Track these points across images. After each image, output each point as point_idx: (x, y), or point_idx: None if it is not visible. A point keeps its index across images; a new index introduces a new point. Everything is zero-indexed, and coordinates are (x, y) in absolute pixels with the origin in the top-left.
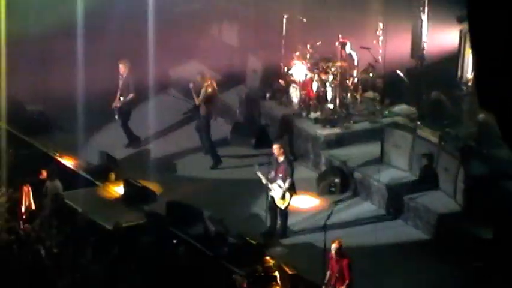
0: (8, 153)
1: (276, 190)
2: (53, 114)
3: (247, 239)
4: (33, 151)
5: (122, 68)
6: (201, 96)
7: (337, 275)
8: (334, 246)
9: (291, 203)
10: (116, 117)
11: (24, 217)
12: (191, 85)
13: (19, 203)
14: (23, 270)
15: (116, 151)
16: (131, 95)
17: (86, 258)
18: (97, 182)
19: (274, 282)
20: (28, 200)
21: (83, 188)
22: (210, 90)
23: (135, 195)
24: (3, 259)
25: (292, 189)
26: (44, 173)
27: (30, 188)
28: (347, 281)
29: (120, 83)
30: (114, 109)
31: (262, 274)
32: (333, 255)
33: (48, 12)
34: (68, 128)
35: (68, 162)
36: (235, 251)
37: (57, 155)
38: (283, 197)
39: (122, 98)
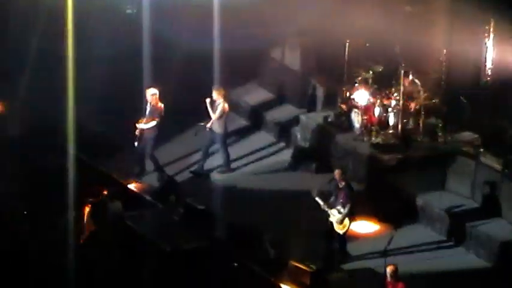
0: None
1: (335, 215)
2: (116, 136)
3: (307, 263)
4: (96, 172)
5: (150, 96)
6: (217, 113)
7: None
8: (389, 270)
9: (350, 228)
10: (135, 144)
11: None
12: (208, 100)
13: (80, 223)
14: None
15: (178, 174)
16: (153, 123)
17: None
18: (158, 204)
19: None
20: (89, 220)
21: (144, 210)
22: (226, 105)
23: (195, 218)
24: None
25: (351, 215)
26: (105, 192)
27: (91, 209)
28: None
29: (147, 110)
30: (136, 135)
31: None
32: (389, 280)
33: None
34: (131, 150)
35: (129, 183)
36: (295, 275)
37: (119, 176)
38: (342, 222)
39: (144, 126)
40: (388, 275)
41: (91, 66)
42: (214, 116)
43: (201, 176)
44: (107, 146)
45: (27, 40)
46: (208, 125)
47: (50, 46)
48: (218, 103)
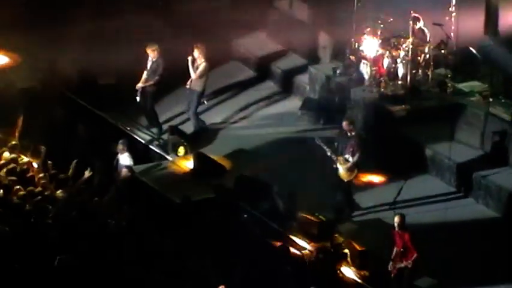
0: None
1: (343, 163)
2: (125, 88)
3: (316, 214)
4: (105, 125)
5: (151, 52)
6: (198, 72)
7: (402, 249)
8: (396, 219)
9: (359, 178)
10: (138, 99)
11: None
12: (190, 58)
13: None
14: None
15: (186, 125)
16: (156, 78)
17: (155, 233)
18: (167, 156)
19: (343, 259)
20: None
21: (153, 162)
22: (206, 65)
23: (205, 170)
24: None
25: (359, 165)
26: (117, 147)
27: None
28: (415, 254)
29: (148, 65)
30: (137, 91)
31: (332, 250)
32: (396, 229)
33: None
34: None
35: (138, 136)
36: (304, 226)
37: (128, 129)
38: (349, 170)
39: (146, 81)
40: (395, 225)
41: None
42: (194, 75)
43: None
44: (116, 98)
45: None
46: (188, 84)
47: None
48: (200, 62)
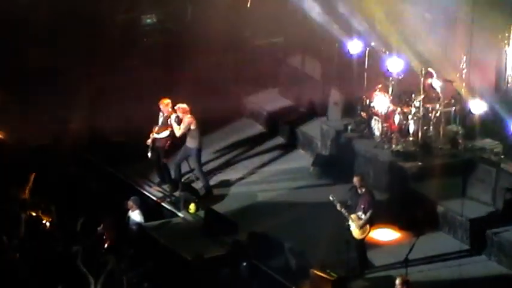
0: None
1: (355, 220)
2: (136, 145)
3: (328, 271)
4: (116, 182)
5: (164, 106)
6: (183, 127)
7: None
8: (397, 282)
9: (371, 235)
10: (149, 154)
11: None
12: (173, 117)
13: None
14: None
15: (197, 182)
16: (166, 133)
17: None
18: (178, 213)
19: None
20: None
21: (165, 219)
22: (193, 127)
23: (216, 226)
24: None
25: (372, 221)
26: (127, 204)
27: (112, 220)
28: None
29: (160, 120)
30: (148, 146)
31: None
32: None
33: None
34: (149, 159)
35: (149, 193)
36: (315, 284)
37: (139, 185)
38: (362, 228)
39: (157, 135)
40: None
41: None
42: (178, 132)
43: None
44: (127, 155)
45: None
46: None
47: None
48: (185, 120)
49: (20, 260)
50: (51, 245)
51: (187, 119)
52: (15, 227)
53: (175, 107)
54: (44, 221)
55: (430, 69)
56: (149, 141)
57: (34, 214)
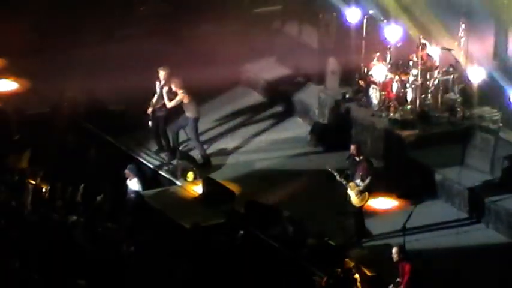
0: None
1: (353, 188)
2: (135, 114)
3: (326, 239)
4: (115, 150)
5: (163, 75)
6: (174, 101)
7: (399, 279)
8: (393, 251)
9: (369, 204)
10: (150, 123)
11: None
12: (166, 89)
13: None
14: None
15: (195, 150)
16: (165, 102)
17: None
18: (176, 182)
19: (353, 284)
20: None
21: (163, 188)
22: (186, 101)
23: (214, 195)
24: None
25: (370, 188)
26: (126, 173)
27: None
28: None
29: (158, 89)
30: (148, 115)
31: (342, 276)
32: (395, 261)
33: None
34: (149, 128)
35: (147, 161)
36: (314, 252)
37: (138, 154)
38: (361, 194)
39: (156, 105)
40: (393, 256)
41: None
42: (169, 104)
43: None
44: (126, 124)
45: None
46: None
47: None
48: (179, 93)
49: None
50: (50, 214)
51: (181, 94)
52: (22, 196)
53: (171, 80)
54: (43, 190)
55: (423, 40)
56: (149, 110)
57: (33, 183)
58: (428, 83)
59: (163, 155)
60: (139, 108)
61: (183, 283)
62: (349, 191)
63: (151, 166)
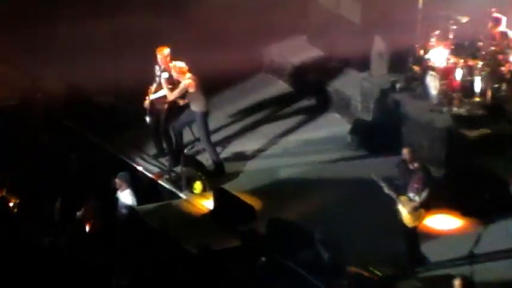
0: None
1: (406, 204)
2: (126, 108)
3: (371, 269)
4: (102, 154)
5: (162, 58)
6: (177, 91)
7: None
8: (456, 283)
9: (425, 223)
10: (147, 119)
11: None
12: (165, 76)
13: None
14: None
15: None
16: (164, 91)
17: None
18: (180, 194)
19: None
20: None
21: (163, 202)
22: (192, 90)
23: (228, 211)
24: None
25: (428, 204)
26: (116, 183)
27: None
28: None
29: (157, 76)
30: (145, 109)
31: None
32: None
33: None
34: (145, 126)
35: (144, 168)
36: (355, 285)
37: (131, 159)
38: (416, 212)
39: (153, 96)
40: None
41: None
42: (170, 95)
43: None
44: (116, 120)
45: None
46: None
47: None
48: (182, 81)
49: None
50: (18, 234)
51: (185, 80)
52: None
53: (171, 64)
54: (10, 204)
55: (497, 14)
56: (146, 103)
57: None
58: (502, 68)
59: (163, 159)
60: (133, 101)
61: None
62: (400, 207)
63: (149, 174)
